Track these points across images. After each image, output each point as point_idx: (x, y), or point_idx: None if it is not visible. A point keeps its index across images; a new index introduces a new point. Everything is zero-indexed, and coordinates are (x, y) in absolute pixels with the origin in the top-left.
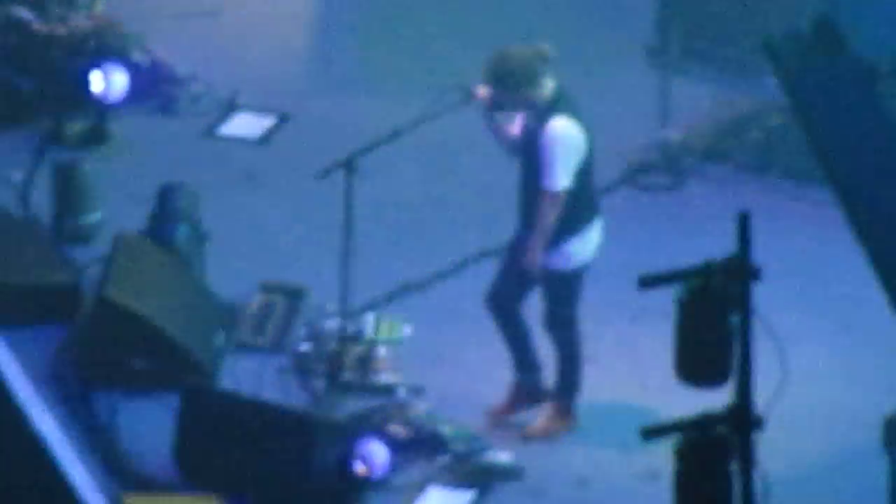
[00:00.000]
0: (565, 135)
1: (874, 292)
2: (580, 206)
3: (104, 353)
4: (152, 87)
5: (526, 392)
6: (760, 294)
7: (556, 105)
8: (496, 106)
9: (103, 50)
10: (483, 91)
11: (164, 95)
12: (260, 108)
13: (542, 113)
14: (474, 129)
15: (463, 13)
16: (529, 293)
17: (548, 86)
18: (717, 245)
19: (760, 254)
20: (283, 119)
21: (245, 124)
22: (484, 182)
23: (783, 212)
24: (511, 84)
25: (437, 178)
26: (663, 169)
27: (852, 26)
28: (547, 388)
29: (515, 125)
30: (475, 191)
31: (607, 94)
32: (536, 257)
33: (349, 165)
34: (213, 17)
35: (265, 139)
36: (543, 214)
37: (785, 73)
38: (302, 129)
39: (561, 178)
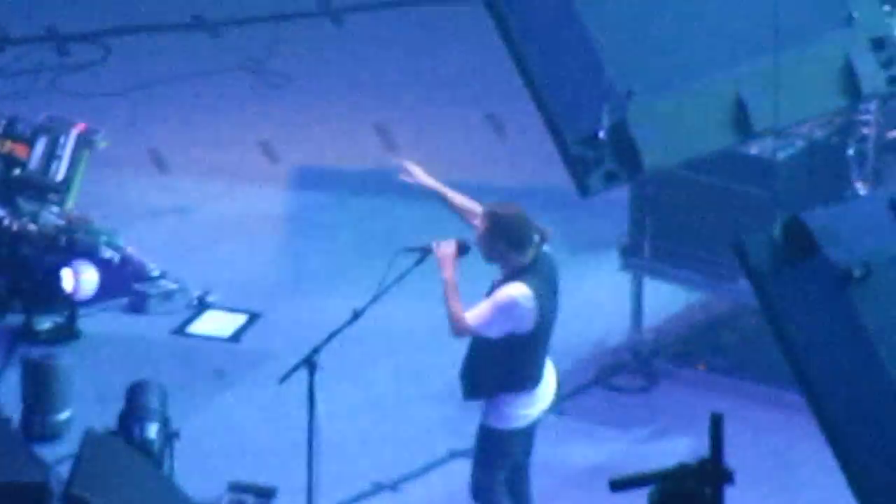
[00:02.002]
0: (514, 301)
1: (846, 498)
2: (520, 371)
3: None
4: (123, 284)
5: None
6: (732, 497)
7: (525, 272)
8: (461, 253)
9: (74, 247)
10: (443, 248)
11: (135, 293)
12: (230, 307)
13: (509, 275)
14: (442, 327)
15: (436, 214)
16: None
17: (528, 256)
18: (690, 447)
19: (733, 457)
20: (253, 317)
21: (215, 322)
22: (453, 381)
23: (756, 415)
24: (501, 230)
25: (406, 378)
26: (635, 370)
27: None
28: None
29: None
30: (444, 391)
31: (579, 293)
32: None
33: (309, 363)
34: (184, 214)
35: (235, 337)
36: (451, 304)
37: (755, 275)
38: (272, 328)
39: (481, 326)
